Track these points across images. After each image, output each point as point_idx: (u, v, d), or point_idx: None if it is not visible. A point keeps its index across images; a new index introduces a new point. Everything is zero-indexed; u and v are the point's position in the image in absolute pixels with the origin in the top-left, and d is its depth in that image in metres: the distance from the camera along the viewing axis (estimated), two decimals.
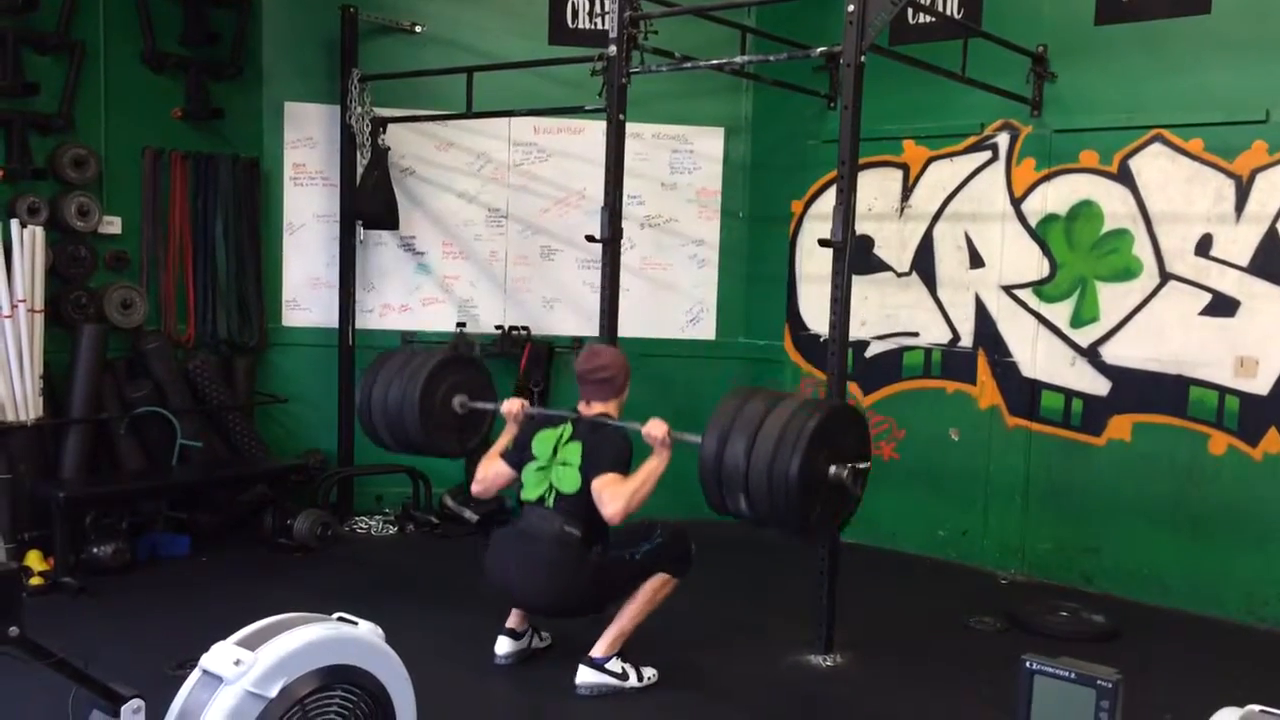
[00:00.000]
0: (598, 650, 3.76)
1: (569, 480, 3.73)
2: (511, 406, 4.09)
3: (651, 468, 3.70)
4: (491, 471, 4.00)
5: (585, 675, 3.74)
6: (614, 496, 3.62)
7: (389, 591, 4.78)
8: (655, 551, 3.80)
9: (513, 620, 4.00)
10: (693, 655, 4.14)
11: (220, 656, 2.32)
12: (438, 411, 4.29)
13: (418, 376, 4.22)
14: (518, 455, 3.93)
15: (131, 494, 5.11)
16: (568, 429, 3.85)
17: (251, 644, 2.35)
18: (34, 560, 4.65)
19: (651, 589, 3.78)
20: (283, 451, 5.95)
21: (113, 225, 5.37)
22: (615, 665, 3.76)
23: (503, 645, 3.98)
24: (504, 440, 4.06)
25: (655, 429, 3.71)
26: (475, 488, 4.07)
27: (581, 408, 3.92)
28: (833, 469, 3.41)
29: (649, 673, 3.82)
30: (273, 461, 5.73)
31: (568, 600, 3.74)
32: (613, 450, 3.73)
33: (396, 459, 5.95)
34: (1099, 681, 1.87)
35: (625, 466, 3.71)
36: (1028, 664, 1.99)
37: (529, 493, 3.83)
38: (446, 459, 5.95)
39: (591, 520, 3.71)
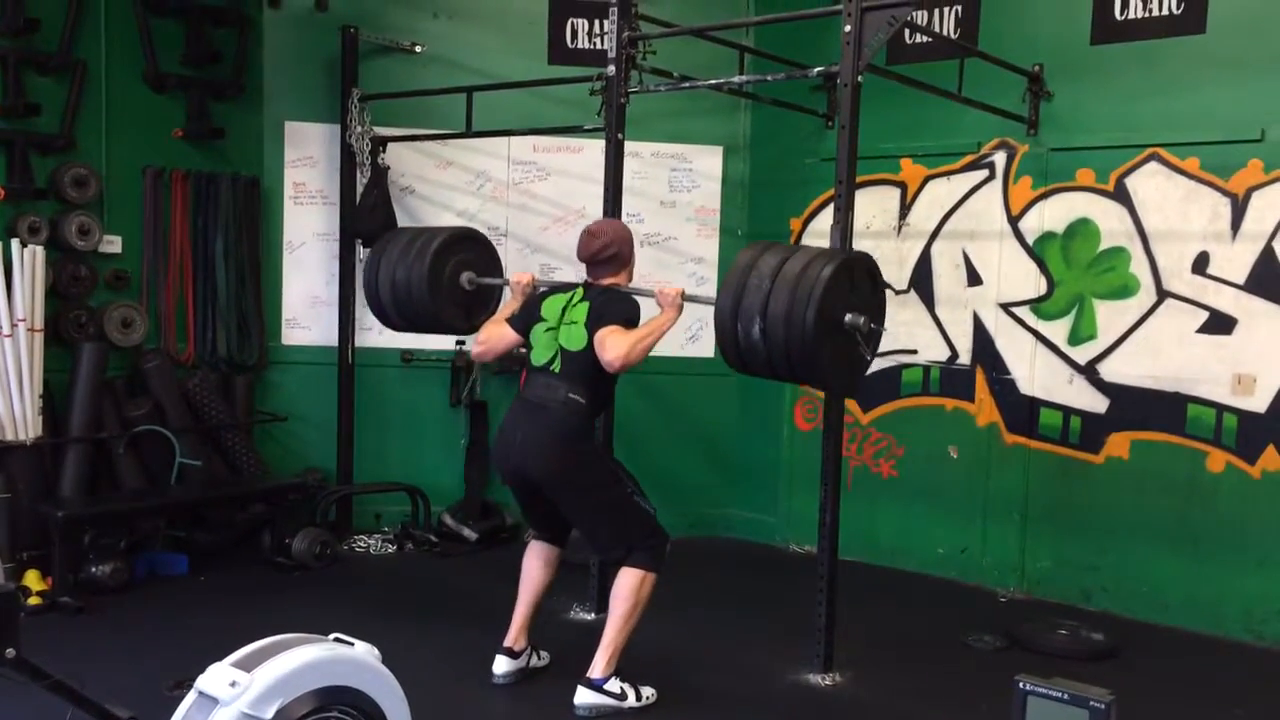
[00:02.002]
0: (595, 670, 3.74)
1: (576, 338, 3.72)
2: (521, 277, 4.11)
3: (658, 323, 3.73)
4: (495, 333, 3.98)
5: (584, 696, 3.72)
6: (616, 344, 3.61)
7: (388, 611, 4.77)
8: (644, 515, 3.78)
9: (510, 639, 3.99)
10: (691, 674, 4.13)
11: (216, 678, 2.32)
12: (446, 288, 4.26)
13: (425, 254, 4.17)
14: (525, 319, 3.92)
15: (130, 513, 5.10)
16: (579, 293, 3.85)
17: (248, 665, 2.35)
18: (32, 580, 4.65)
19: (631, 589, 3.72)
20: (281, 470, 5.95)
21: (113, 244, 5.39)
22: (614, 686, 3.74)
23: (501, 665, 3.96)
24: (511, 307, 4.06)
25: (668, 288, 3.82)
26: (476, 349, 4.04)
27: (590, 281, 3.91)
28: (849, 316, 3.45)
29: (648, 692, 3.81)
30: (271, 480, 5.73)
31: (565, 464, 3.70)
32: (621, 307, 3.74)
33: (396, 478, 6.02)
34: (1092, 702, 1.87)
35: (632, 324, 3.71)
36: (1021, 685, 1.99)
37: (537, 356, 3.81)
38: (445, 478, 6.09)
39: (596, 386, 3.74)
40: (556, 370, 3.75)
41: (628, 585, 3.74)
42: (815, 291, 3.33)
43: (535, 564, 4.02)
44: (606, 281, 3.88)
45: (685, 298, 3.82)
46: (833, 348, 3.46)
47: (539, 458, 3.71)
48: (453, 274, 4.29)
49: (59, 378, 5.10)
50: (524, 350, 3.92)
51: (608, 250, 3.86)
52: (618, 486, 3.79)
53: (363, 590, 5.12)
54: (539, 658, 4.10)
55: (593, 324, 3.70)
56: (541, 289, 4.05)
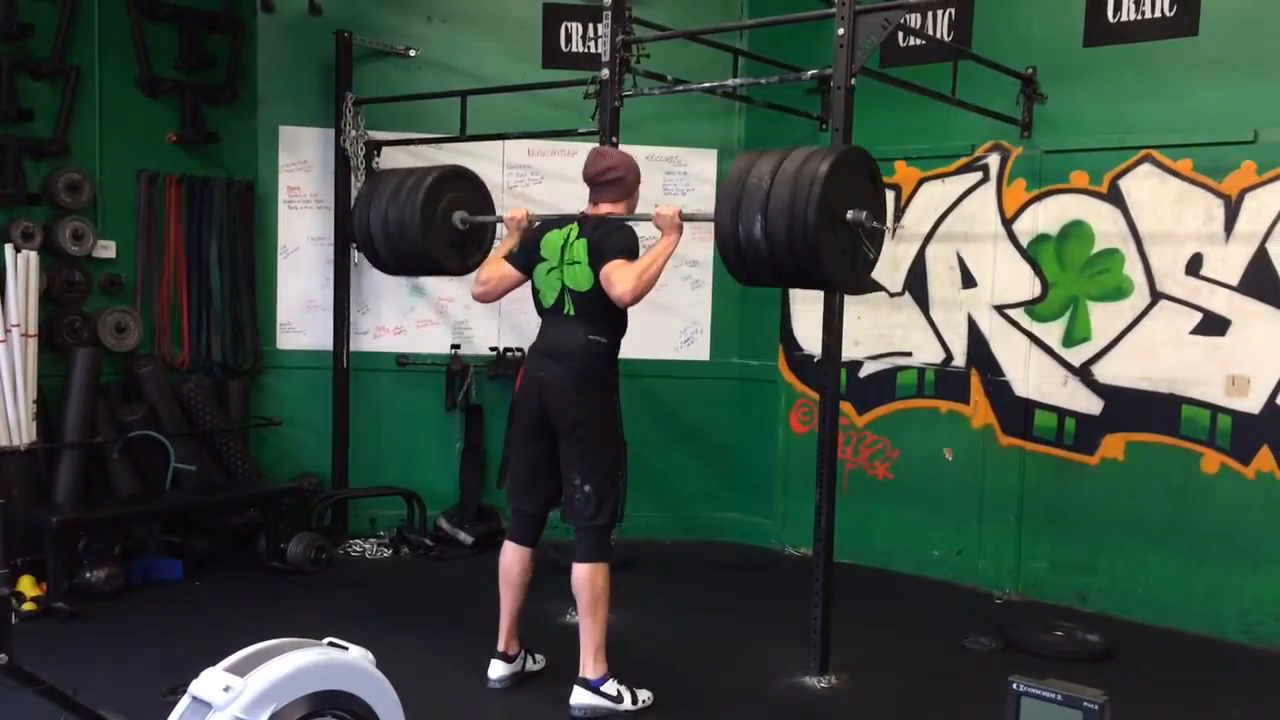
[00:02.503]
0: (587, 670, 3.73)
1: (582, 278, 3.71)
2: (515, 213, 4.08)
3: (660, 249, 3.66)
4: (496, 273, 3.96)
5: (580, 697, 3.71)
6: (622, 278, 3.58)
7: (383, 615, 4.76)
8: (614, 499, 3.78)
9: (502, 643, 3.97)
10: (687, 677, 4.13)
11: (210, 683, 2.32)
12: (439, 228, 4.18)
13: (416, 194, 4.10)
14: (524, 257, 3.90)
15: (125, 518, 5.10)
16: (574, 229, 3.80)
17: (241, 670, 2.34)
18: (27, 585, 4.63)
19: (587, 583, 3.73)
20: (276, 474, 5.95)
21: (107, 249, 5.38)
22: (610, 687, 3.73)
23: (496, 669, 3.94)
24: (508, 244, 4.04)
25: (665, 209, 3.73)
26: (476, 289, 4.02)
27: (588, 209, 3.88)
28: (850, 212, 3.38)
29: (644, 695, 3.80)
30: (266, 484, 5.72)
31: (585, 404, 3.72)
32: (619, 238, 3.70)
33: (391, 482, 6.02)
34: (1085, 703, 1.87)
35: (633, 255, 3.67)
36: (1015, 686, 2.00)
37: (546, 298, 3.83)
38: (440, 482, 6.09)
39: (612, 321, 3.76)
40: (570, 313, 3.75)
41: (582, 580, 3.74)
42: (814, 188, 3.25)
43: (512, 566, 3.95)
44: (605, 208, 3.85)
45: (684, 217, 3.73)
46: (836, 243, 3.38)
47: (559, 397, 3.72)
48: (445, 213, 4.21)
49: (53, 383, 5.09)
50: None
51: (612, 172, 3.84)
52: (612, 458, 3.79)
53: (358, 594, 5.11)
54: (534, 661, 4.08)
55: (595, 261, 3.67)
56: (537, 223, 4.00)
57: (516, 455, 3.98)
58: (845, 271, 3.47)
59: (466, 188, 4.31)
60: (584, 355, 3.72)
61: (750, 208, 3.34)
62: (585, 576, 3.74)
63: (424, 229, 4.11)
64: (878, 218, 3.50)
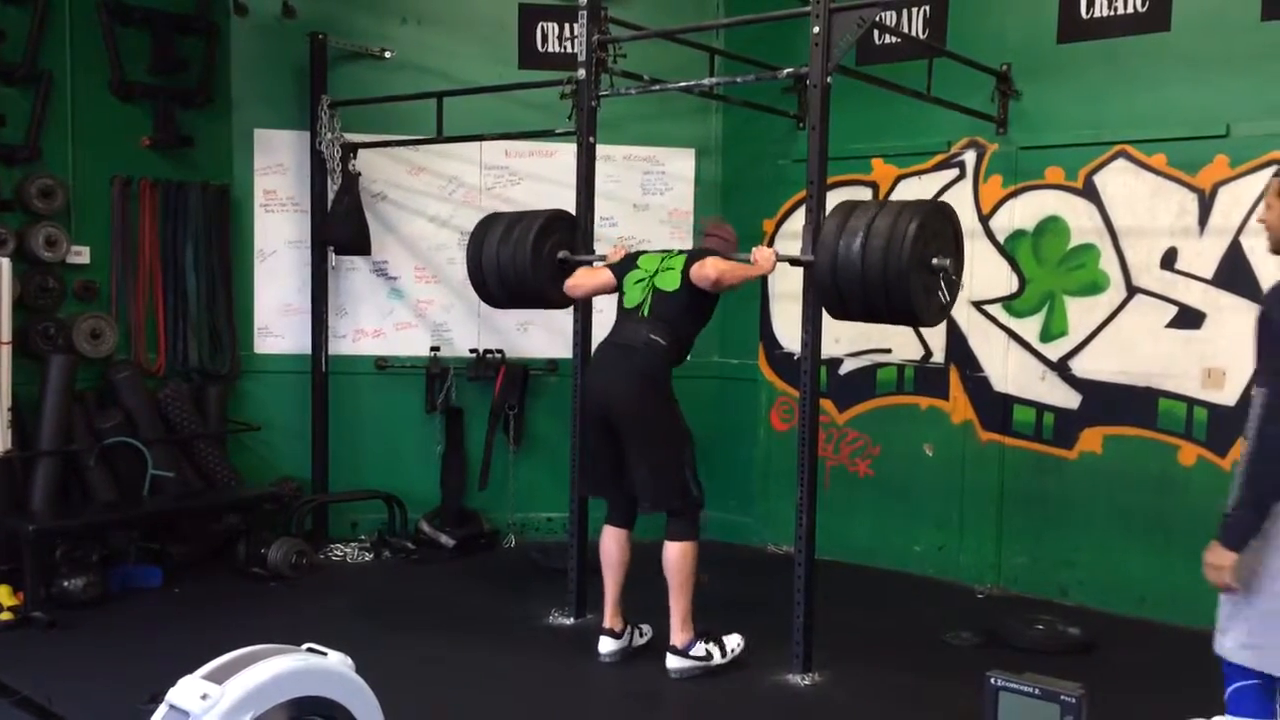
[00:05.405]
0: (677, 639, 4.07)
1: (671, 280, 4.15)
2: (617, 252, 4.51)
3: (751, 268, 4.17)
4: (589, 274, 4.40)
5: (674, 662, 4.06)
6: (716, 263, 4.07)
7: (364, 619, 4.74)
8: (685, 487, 4.09)
9: (608, 621, 4.21)
10: (670, 677, 4.12)
11: (187, 691, 2.29)
12: (545, 266, 4.58)
13: (526, 237, 4.53)
14: (621, 267, 4.33)
15: (102, 526, 5.06)
16: (677, 249, 4.35)
17: (219, 677, 2.32)
18: (4, 595, 4.59)
19: (677, 561, 4.06)
20: (256, 480, 5.91)
21: (81, 255, 5.34)
22: (699, 650, 4.08)
23: (605, 645, 4.20)
24: (610, 260, 4.45)
25: (764, 249, 4.21)
26: (568, 282, 4.43)
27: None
28: (935, 259, 3.77)
29: (732, 644, 4.18)
30: (246, 490, 5.69)
31: (643, 400, 4.07)
32: (715, 249, 4.25)
33: (372, 485, 5.99)
34: (1063, 697, 1.89)
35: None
36: (992, 681, 2.01)
37: (629, 300, 4.23)
38: (421, 485, 6.07)
39: (678, 330, 4.15)
40: (645, 314, 4.15)
41: (674, 559, 4.07)
42: (906, 240, 3.67)
43: (612, 547, 4.26)
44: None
45: (779, 258, 4.17)
46: (921, 276, 3.79)
47: (621, 393, 4.07)
48: (550, 252, 4.60)
49: (28, 390, 5.05)
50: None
51: (718, 230, 4.57)
52: (675, 448, 4.11)
53: (339, 599, 5.09)
54: (640, 634, 4.32)
55: (688, 265, 4.13)
56: (635, 253, 4.44)
57: (590, 450, 4.30)
58: (926, 308, 3.87)
59: (567, 229, 4.68)
60: (644, 351, 4.08)
61: (852, 231, 3.71)
62: (674, 554, 4.08)
63: (534, 269, 4.53)
64: (956, 270, 3.94)
